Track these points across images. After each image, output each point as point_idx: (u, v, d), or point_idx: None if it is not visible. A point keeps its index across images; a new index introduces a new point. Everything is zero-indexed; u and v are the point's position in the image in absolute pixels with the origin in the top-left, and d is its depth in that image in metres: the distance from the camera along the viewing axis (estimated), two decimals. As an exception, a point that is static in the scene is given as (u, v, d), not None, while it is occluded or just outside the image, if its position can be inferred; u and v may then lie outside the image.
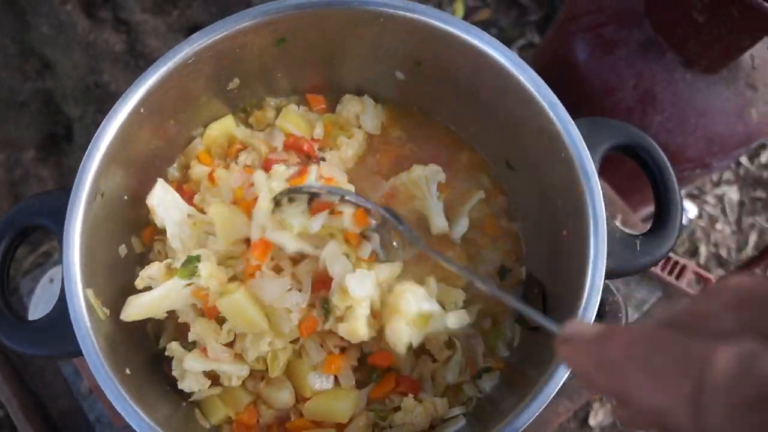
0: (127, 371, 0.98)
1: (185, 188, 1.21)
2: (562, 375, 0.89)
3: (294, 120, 1.24)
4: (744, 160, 2.93)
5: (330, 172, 1.11)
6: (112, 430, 1.47)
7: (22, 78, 2.60)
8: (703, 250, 2.78)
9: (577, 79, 1.93)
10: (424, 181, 1.14)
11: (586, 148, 0.96)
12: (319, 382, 1.07)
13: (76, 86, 2.59)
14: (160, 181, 1.13)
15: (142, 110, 1.06)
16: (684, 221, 2.53)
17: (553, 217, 1.06)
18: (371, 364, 1.09)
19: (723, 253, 2.78)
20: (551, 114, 1.00)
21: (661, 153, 1.01)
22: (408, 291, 0.98)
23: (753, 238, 2.78)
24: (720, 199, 2.86)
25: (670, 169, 1.00)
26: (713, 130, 1.90)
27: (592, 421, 2.61)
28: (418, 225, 1.17)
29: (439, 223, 1.16)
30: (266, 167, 1.16)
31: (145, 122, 1.09)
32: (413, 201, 1.17)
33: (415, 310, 0.97)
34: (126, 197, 1.12)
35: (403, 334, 0.96)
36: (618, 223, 1.64)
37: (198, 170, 1.20)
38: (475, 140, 1.25)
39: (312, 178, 1.04)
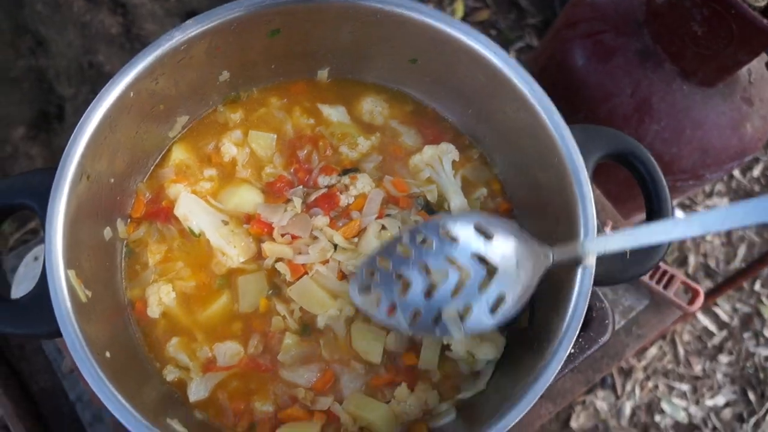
0: (108, 355, 0.96)
1: (164, 204, 1.18)
2: (549, 376, 0.88)
3: (261, 143, 1.22)
4: (736, 172, 2.94)
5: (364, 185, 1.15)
6: (92, 410, 1.45)
7: (15, 54, 2.57)
8: (692, 259, 2.79)
9: (574, 84, 1.92)
10: (437, 161, 1.15)
11: (580, 156, 0.95)
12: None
13: (70, 65, 2.57)
14: (183, 193, 1.15)
15: (131, 94, 1.04)
16: (674, 231, 2.52)
17: (544, 221, 1.06)
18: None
19: (712, 263, 2.79)
20: (546, 119, 0.99)
21: (654, 163, 1.00)
22: None
23: (742, 251, 2.79)
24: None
25: (662, 180, 1.00)
26: (708, 142, 1.90)
27: (573, 424, 2.61)
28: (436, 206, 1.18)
29: (457, 200, 1.15)
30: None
31: (134, 106, 1.07)
32: (429, 184, 1.18)
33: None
34: (113, 180, 1.10)
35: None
36: (608, 229, 1.63)
37: (174, 190, 1.18)
38: (474, 138, 1.24)
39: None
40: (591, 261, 0.92)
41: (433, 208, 1.16)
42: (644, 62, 1.85)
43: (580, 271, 0.92)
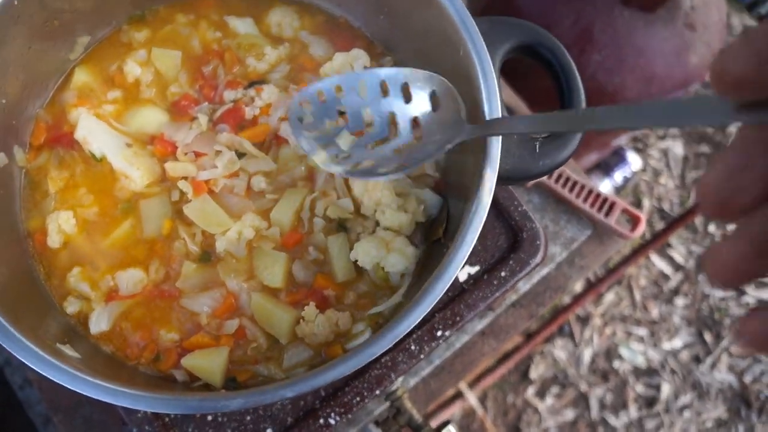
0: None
1: (66, 130, 1.12)
2: (452, 273, 0.84)
3: (166, 62, 1.15)
4: (690, 115, 2.92)
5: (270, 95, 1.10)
6: (21, 373, 1.40)
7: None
8: (646, 203, 2.77)
9: (517, 16, 1.88)
10: (349, 67, 1.10)
11: (483, 42, 0.91)
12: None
13: None
14: (83, 116, 1.08)
15: (15, 2, 0.97)
16: (627, 173, 2.51)
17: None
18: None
19: (666, 206, 2.78)
20: (452, 13, 0.94)
21: (566, 53, 0.96)
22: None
23: (695, 193, 2.78)
24: (664, 153, 2.85)
25: (575, 71, 0.95)
26: (651, 70, 1.87)
27: (533, 374, 2.60)
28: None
29: None
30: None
31: (22, 17, 1.00)
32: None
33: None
34: (4, 101, 1.03)
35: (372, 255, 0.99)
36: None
37: (76, 114, 1.11)
38: (387, 46, 1.19)
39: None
40: (496, 145, 0.87)
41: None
42: (585, -9, 1.81)
43: (484, 163, 0.87)
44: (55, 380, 0.80)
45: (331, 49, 1.16)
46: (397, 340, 0.81)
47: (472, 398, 2.42)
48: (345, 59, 1.11)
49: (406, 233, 1.03)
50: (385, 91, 0.96)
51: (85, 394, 0.79)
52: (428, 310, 0.82)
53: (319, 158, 0.97)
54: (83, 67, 1.16)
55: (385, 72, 0.95)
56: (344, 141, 0.98)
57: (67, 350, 0.91)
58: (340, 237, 1.03)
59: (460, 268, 0.84)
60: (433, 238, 1.04)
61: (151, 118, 1.10)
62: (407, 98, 0.94)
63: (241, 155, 1.05)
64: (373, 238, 1.01)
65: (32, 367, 0.80)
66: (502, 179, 0.89)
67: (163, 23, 1.18)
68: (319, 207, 1.05)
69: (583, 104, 0.95)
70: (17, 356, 0.81)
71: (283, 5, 1.18)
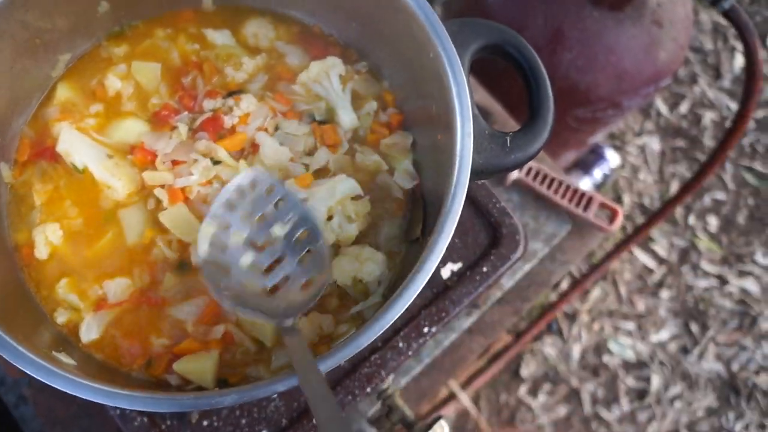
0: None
1: (49, 144, 1.13)
2: (430, 267, 0.87)
3: (146, 74, 1.18)
4: (664, 110, 2.98)
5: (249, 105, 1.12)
6: (15, 392, 1.41)
7: None
8: (627, 199, 2.82)
9: (487, 18, 1.93)
10: (325, 76, 1.13)
11: (452, 44, 0.94)
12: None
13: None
14: (64, 129, 1.10)
15: (-3, 22, 1.00)
16: (606, 170, 2.56)
17: (430, 123, 1.04)
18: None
19: (646, 201, 2.83)
20: (421, 17, 0.98)
21: (532, 51, 0.99)
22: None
23: (674, 187, 2.83)
24: (642, 149, 2.90)
25: (541, 66, 0.99)
26: (622, 67, 1.91)
27: (524, 372, 2.63)
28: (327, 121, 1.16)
29: (346, 116, 1.13)
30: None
31: (5, 37, 1.02)
32: (318, 100, 1.15)
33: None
34: (-12, 118, 1.06)
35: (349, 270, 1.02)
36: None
37: (58, 128, 1.13)
38: (361, 52, 1.22)
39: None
40: (468, 141, 0.90)
41: (325, 121, 1.15)
42: (554, -9, 1.85)
43: (457, 160, 0.90)
44: (51, 384, 0.82)
45: (307, 58, 1.19)
46: (383, 330, 0.83)
47: (465, 399, 2.44)
48: (321, 67, 1.14)
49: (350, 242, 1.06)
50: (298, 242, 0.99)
51: (81, 396, 0.80)
52: (411, 301, 0.85)
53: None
54: (65, 83, 1.18)
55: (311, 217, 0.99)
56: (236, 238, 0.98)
57: (63, 357, 0.93)
58: None
59: (439, 260, 0.87)
60: (411, 238, 1.06)
61: (131, 129, 1.12)
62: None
63: (216, 163, 1.07)
64: (343, 257, 1.04)
65: (29, 373, 0.82)
66: (476, 173, 0.93)
67: (143, 38, 1.21)
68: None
69: (551, 100, 0.98)
70: (15, 363, 0.83)
71: (259, 16, 1.22)
